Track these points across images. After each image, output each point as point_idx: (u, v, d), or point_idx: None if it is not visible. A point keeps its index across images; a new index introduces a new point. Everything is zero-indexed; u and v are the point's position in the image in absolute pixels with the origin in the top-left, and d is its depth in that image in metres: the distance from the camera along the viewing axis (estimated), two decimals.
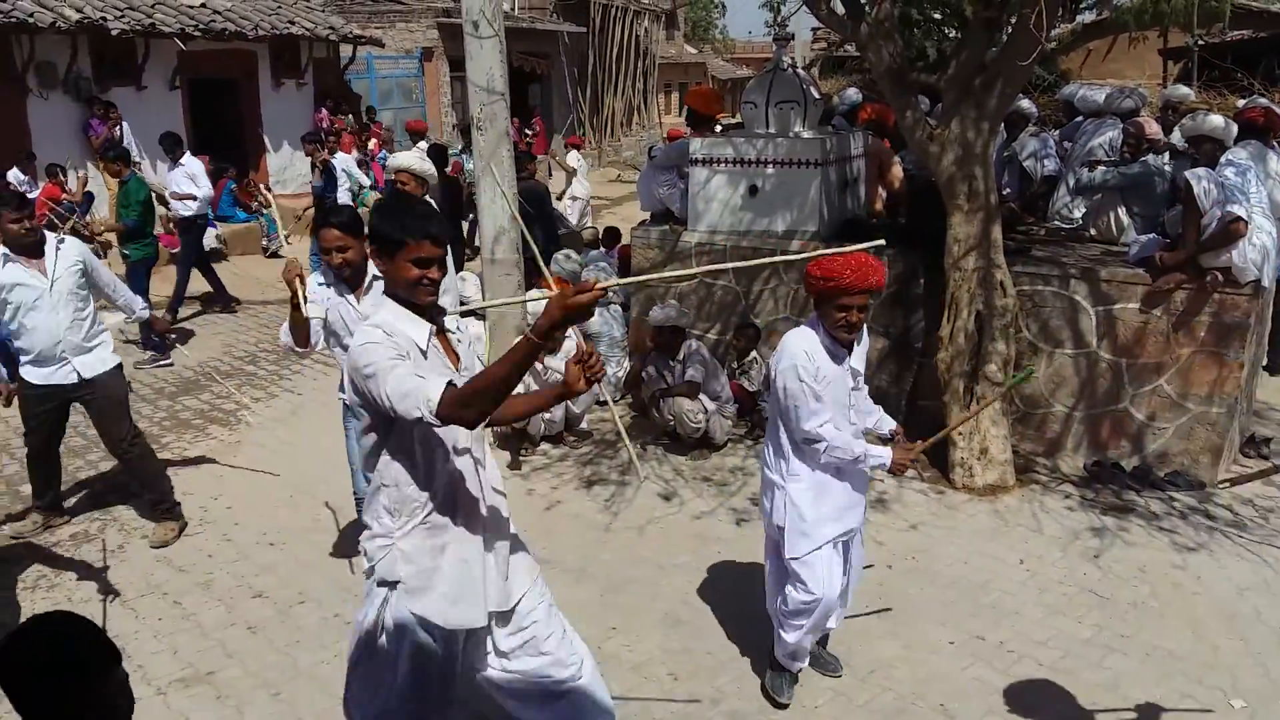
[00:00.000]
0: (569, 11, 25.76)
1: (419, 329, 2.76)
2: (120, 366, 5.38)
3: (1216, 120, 6.28)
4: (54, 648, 1.90)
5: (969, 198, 5.82)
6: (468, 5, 6.18)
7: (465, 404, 2.51)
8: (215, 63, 13.94)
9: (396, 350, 2.63)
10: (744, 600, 4.69)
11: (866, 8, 5.96)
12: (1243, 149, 6.17)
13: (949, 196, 5.87)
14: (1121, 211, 6.82)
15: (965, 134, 5.77)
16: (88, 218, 10.90)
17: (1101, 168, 7.02)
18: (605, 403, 7.34)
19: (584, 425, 6.83)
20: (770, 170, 6.97)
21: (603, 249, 10.15)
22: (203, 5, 13.53)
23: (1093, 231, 6.99)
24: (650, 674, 4.16)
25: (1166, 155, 6.96)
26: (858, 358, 3.76)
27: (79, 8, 11.65)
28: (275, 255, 12.83)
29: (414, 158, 6.23)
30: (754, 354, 7.01)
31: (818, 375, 3.59)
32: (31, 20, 10.91)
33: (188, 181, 9.61)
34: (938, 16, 13.58)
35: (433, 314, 2.82)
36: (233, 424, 7.19)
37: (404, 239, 2.70)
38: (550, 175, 18.22)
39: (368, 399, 2.67)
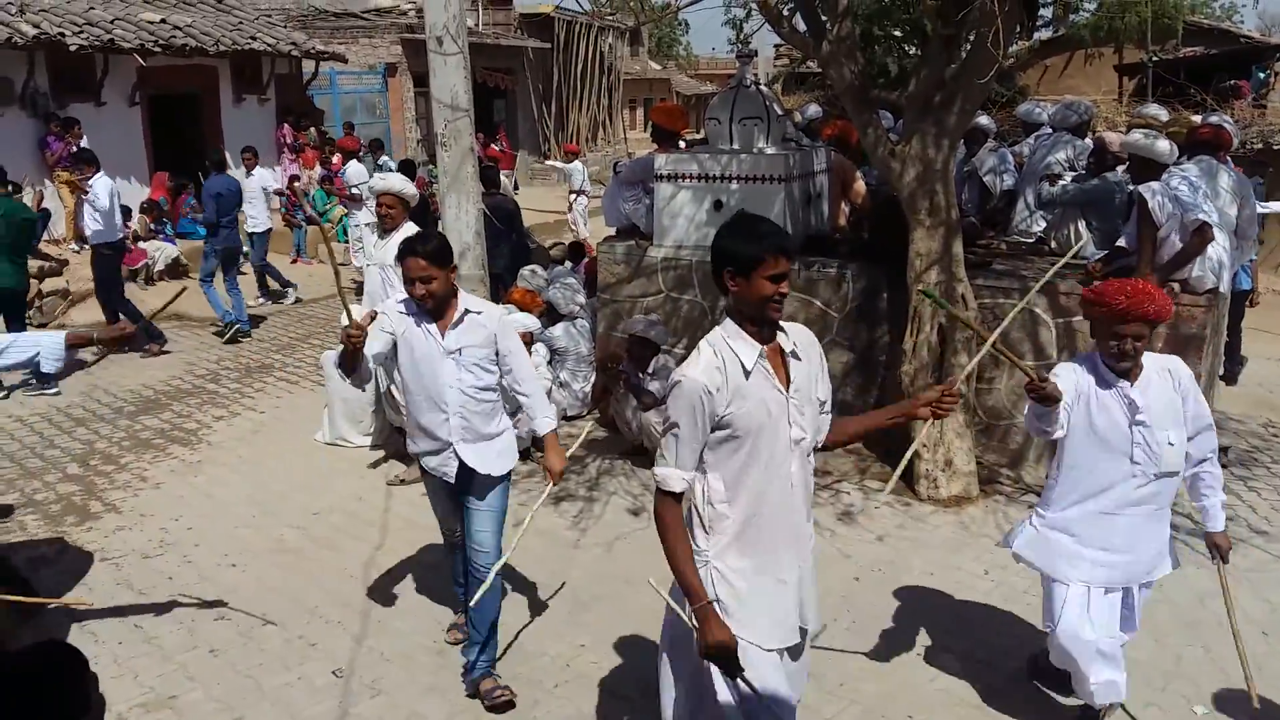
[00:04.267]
0: (533, 27, 25.83)
1: (749, 349, 2.75)
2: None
3: (1163, 147, 6.31)
4: (21, 693, 1.84)
5: (930, 213, 5.89)
6: (431, 21, 6.17)
7: (659, 530, 2.85)
8: (176, 78, 13.82)
9: (698, 407, 2.73)
10: None
11: (828, 26, 6.02)
12: (1194, 164, 6.28)
13: (911, 212, 5.93)
14: (1081, 225, 6.92)
15: (926, 150, 5.84)
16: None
17: (1063, 182, 7.13)
18: (574, 418, 7.33)
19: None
20: (735, 186, 7.00)
21: (568, 264, 10.15)
22: (163, 21, 13.42)
23: (1053, 245, 7.09)
24: (620, 691, 4.14)
25: (1119, 170, 7.08)
26: (1141, 390, 3.50)
27: (36, 24, 11.51)
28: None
29: (399, 181, 6.18)
30: None
31: (1093, 410, 3.52)
32: None
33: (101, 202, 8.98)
34: (898, 34, 13.74)
35: (772, 331, 2.82)
36: (194, 443, 7.09)
37: (762, 255, 2.69)
38: (517, 190, 18.20)
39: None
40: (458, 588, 4.46)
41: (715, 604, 2.78)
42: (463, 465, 3.98)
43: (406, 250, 3.88)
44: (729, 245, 2.76)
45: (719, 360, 2.74)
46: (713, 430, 2.75)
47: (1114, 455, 3.52)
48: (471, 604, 3.96)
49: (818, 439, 2.94)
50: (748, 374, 2.73)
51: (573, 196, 16.07)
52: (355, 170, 12.17)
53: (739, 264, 2.71)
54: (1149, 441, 3.47)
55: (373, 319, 3.89)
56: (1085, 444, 3.55)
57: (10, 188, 9.13)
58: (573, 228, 16.07)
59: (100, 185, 9.02)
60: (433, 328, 3.93)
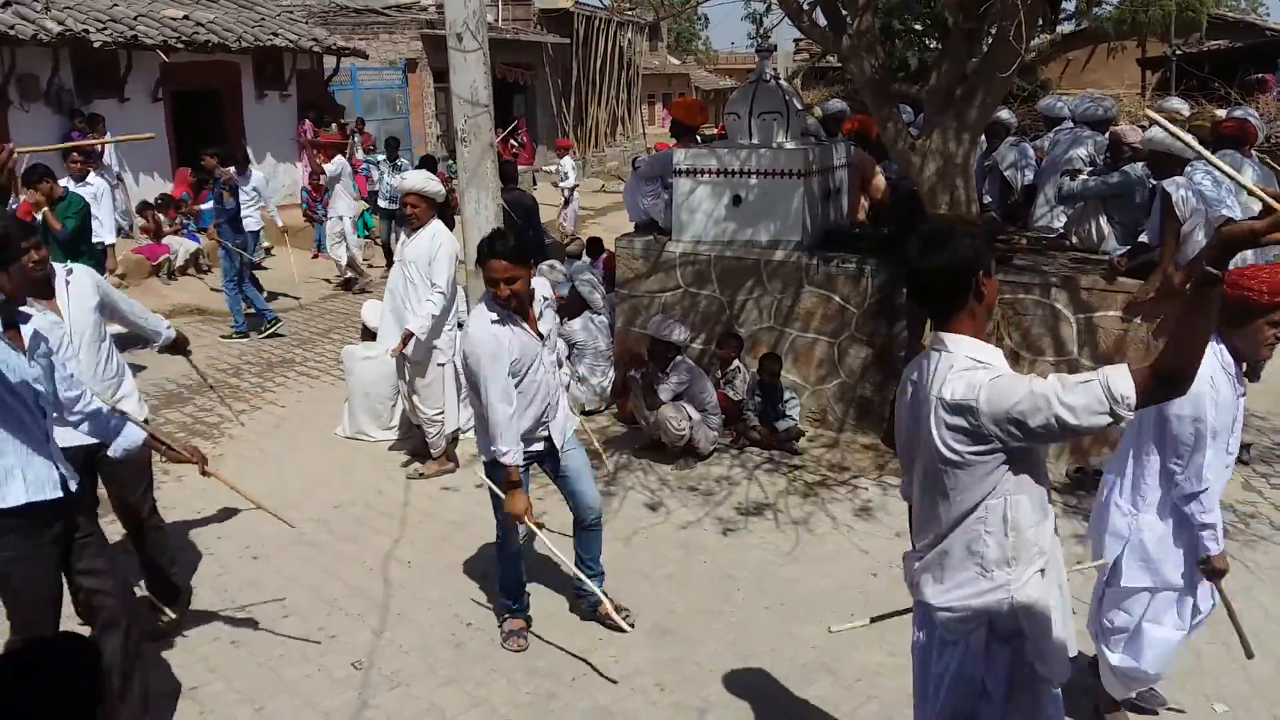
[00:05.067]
0: (553, 23, 25.83)
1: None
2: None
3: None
4: (33, 685, 1.83)
5: (950, 207, 5.86)
6: (451, 17, 6.18)
7: (1167, 373, 2.25)
8: (198, 75, 13.91)
9: (1004, 367, 2.48)
10: (730, 610, 4.70)
11: (848, 20, 6.00)
12: (1219, 159, 6.23)
13: (931, 206, 5.91)
14: (1103, 220, 6.87)
15: (946, 144, 5.82)
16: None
17: (1083, 176, 7.08)
18: (592, 412, 7.34)
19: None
20: (754, 181, 7.00)
21: (587, 259, 10.16)
22: (185, 17, 13.51)
23: (1074, 240, 7.04)
24: (637, 685, 4.15)
25: (1139, 164, 7.03)
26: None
27: (61, 20, 11.61)
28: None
29: (423, 178, 6.21)
30: (737, 363, 7.03)
31: (1218, 403, 3.26)
32: (12, 32, 10.87)
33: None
34: (919, 27, 13.67)
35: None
36: (216, 437, 7.15)
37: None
38: (535, 185, 18.24)
39: (1024, 430, 2.35)
40: (508, 600, 4.51)
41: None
42: (553, 437, 4.30)
43: (487, 253, 3.96)
44: (981, 245, 2.57)
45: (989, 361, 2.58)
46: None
47: (1218, 450, 3.35)
48: (583, 550, 4.51)
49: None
50: None
51: (564, 195, 15.98)
52: (335, 163, 12.18)
53: (989, 266, 2.56)
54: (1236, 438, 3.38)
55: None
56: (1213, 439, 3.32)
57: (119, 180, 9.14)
58: (560, 225, 15.76)
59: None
60: (524, 324, 4.11)
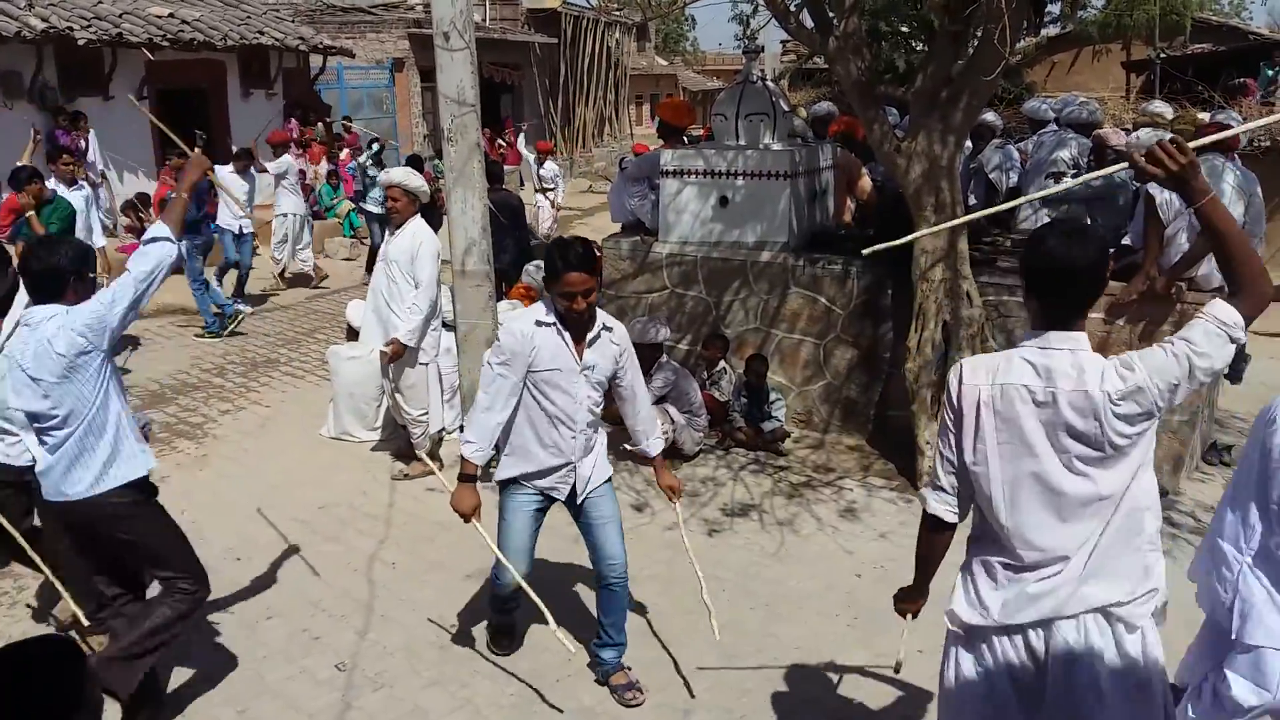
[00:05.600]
0: (540, 23, 25.83)
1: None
2: None
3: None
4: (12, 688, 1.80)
5: (936, 209, 5.88)
6: (438, 17, 6.17)
7: (1245, 282, 2.51)
8: (183, 73, 13.85)
9: None
10: (716, 611, 4.70)
11: (835, 21, 6.01)
12: (1201, 163, 6.27)
13: (916, 208, 5.93)
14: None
15: (932, 146, 5.83)
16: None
17: (1066, 179, 7.11)
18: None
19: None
20: (740, 182, 7.01)
21: None
22: (171, 15, 13.45)
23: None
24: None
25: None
26: None
27: (45, 17, 11.54)
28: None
29: (405, 173, 6.25)
30: (723, 364, 7.03)
31: None
32: None
33: None
34: (905, 30, 13.70)
35: None
36: (199, 437, 7.12)
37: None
38: (523, 185, 18.21)
39: (1179, 391, 2.47)
40: (498, 649, 4.38)
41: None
42: (576, 482, 3.93)
43: (563, 266, 3.59)
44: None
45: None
46: None
47: None
48: (603, 614, 4.06)
49: None
50: None
51: (538, 196, 15.11)
52: (279, 162, 11.93)
53: None
54: None
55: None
56: None
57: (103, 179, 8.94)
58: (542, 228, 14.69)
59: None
60: (568, 342, 3.74)
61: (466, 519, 3.88)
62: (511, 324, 3.81)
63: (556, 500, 3.98)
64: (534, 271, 8.11)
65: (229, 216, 10.46)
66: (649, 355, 6.53)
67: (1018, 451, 2.57)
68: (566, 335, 3.73)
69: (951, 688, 2.80)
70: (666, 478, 4.11)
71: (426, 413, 6.32)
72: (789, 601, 4.78)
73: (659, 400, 6.46)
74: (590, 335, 3.78)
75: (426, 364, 6.24)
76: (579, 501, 3.96)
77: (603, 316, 3.83)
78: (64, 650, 1.90)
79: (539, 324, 3.74)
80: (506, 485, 3.98)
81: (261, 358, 9.28)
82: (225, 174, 10.62)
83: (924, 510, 2.82)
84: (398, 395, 6.26)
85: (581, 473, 3.92)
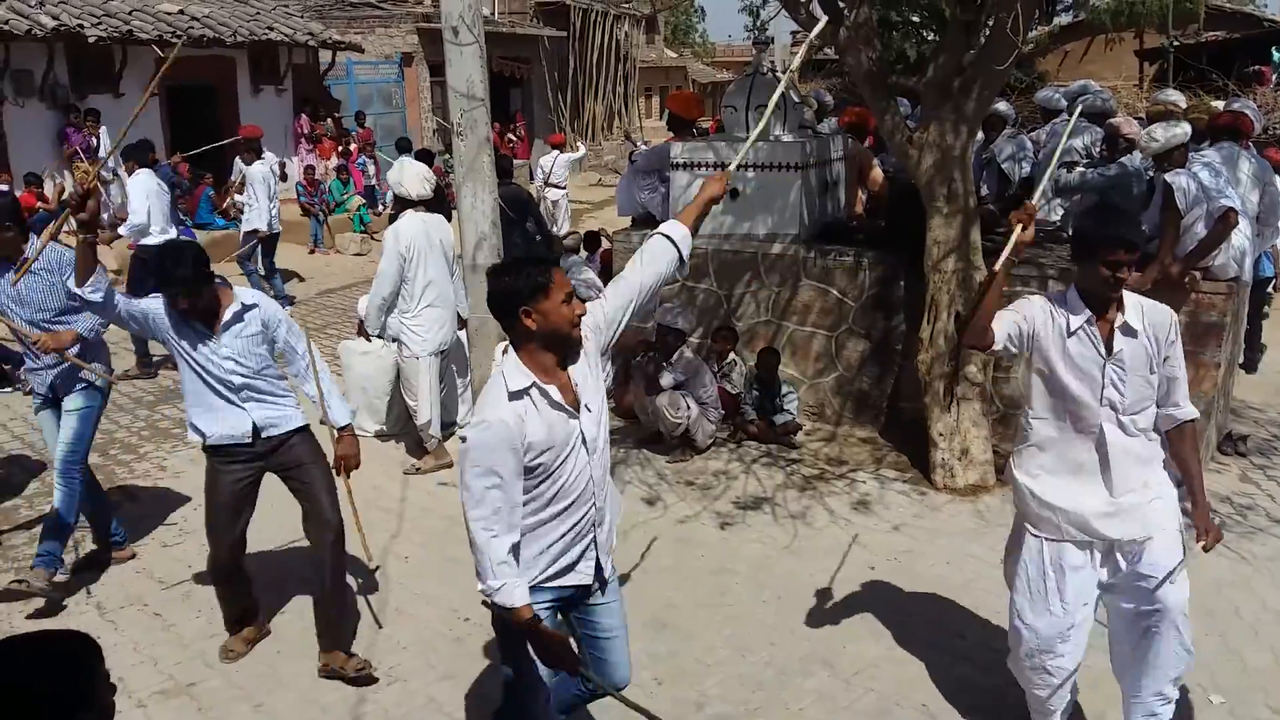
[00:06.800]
0: (549, 16, 25.80)
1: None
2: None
3: (1178, 132, 6.14)
4: (20, 680, 1.79)
5: (948, 200, 5.85)
6: (447, 11, 6.16)
7: None
8: (193, 69, 13.87)
9: None
10: (727, 604, 4.70)
11: (845, 11, 5.98)
12: (1215, 151, 6.22)
13: (928, 199, 5.89)
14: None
15: (944, 137, 5.80)
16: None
17: (1080, 168, 7.06)
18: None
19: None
20: (751, 174, 6.98)
21: (585, 253, 10.14)
22: (180, 12, 13.48)
23: (1071, 232, 7.02)
24: (634, 678, 4.13)
25: (1136, 155, 7.02)
26: None
27: (55, 15, 11.58)
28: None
29: (395, 175, 6.43)
30: (733, 356, 7.02)
31: None
32: (7, 27, 10.84)
33: None
34: (916, 19, 13.65)
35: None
36: None
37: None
38: (532, 179, 18.20)
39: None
40: None
41: None
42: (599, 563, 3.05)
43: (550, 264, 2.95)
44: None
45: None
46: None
47: None
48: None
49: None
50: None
51: (545, 189, 14.51)
52: (256, 166, 10.84)
53: None
54: None
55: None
56: None
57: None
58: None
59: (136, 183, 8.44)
60: (555, 388, 2.87)
61: (577, 672, 2.96)
62: (485, 414, 2.77)
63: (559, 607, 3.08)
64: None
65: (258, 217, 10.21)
66: (670, 340, 6.52)
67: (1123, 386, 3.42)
68: (547, 389, 2.82)
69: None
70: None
71: (416, 404, 6.39)
72: (802, 594, 4.77)
73: (676, 388, 6.45)
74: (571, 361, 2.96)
75: (409, 357, 6.29)
76: (587, 597, 3.10)
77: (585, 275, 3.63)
78: (81, 647, 1.90)
79: (513, 398, 2.78)
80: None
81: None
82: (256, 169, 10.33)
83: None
84: (402, 385, 6.48)
85: (602, 548, 3.05)
